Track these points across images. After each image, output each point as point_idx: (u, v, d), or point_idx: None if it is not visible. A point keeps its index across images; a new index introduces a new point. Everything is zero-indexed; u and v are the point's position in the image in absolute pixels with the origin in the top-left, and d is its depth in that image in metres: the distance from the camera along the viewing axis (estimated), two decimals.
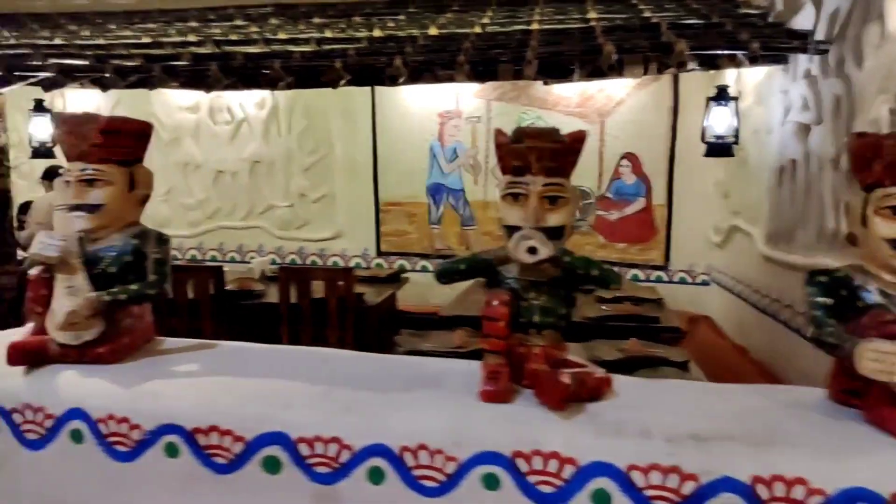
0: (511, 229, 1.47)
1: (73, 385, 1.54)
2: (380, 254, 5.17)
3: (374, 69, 3.34)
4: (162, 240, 1.68)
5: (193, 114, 5.28)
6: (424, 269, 5.04)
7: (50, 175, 4.42)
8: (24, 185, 5.35)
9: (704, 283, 4.54)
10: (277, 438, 1.38)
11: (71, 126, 1.59)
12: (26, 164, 5.32)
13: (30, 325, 1.72)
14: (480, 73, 3.31)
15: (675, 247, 4.64)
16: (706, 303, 4.38)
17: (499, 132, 1.52)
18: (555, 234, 1.46)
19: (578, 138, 1.49)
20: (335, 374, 1.61)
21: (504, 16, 4.11)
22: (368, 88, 4.91)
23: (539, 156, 1.45)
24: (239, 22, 4.56)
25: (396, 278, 4.63)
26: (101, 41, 4.06)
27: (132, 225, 1.67)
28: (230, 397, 1.48)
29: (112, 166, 1.60)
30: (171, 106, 5.31)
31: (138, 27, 4.60)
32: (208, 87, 3.48)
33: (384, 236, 5.11)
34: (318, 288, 3.75)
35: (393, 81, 3.23)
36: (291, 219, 5.27)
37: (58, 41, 4.17)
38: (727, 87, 3.55)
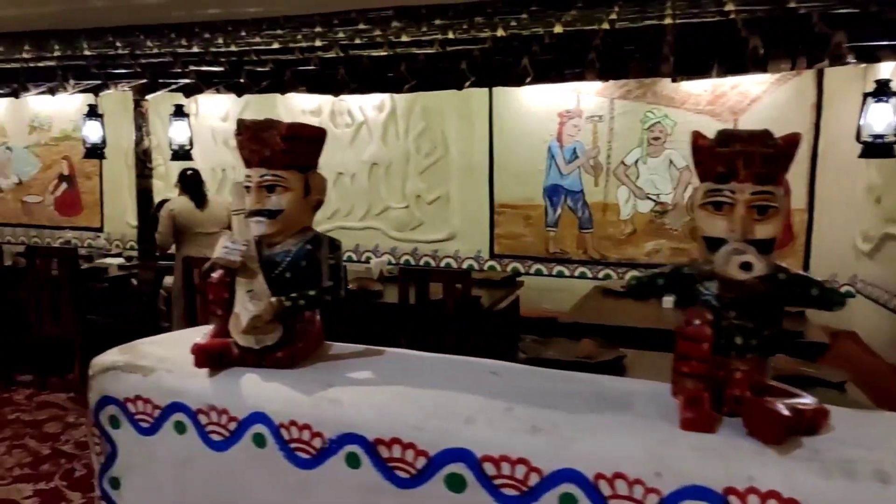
0: (713, 242, 1.33)
1: (255, 389, 1.54)
2: (493, 256, 5.12)
3: (499, 69, 3.29)
4: (335, 245, 1.67)
5: (316, 117, 5.43)
6: (538, 273, 4.94)
7: (184, 178, 4.62)
8: (161, 185, 5.69)
9: (849, 295, 4.17)
10: (461, 455, 1.32)
11: (253, 132, 1.60)
12: (162, 166, 5.66)
13: (208, 326, 1.76)
14: (611, 71, 3.18)
15: (816, 255, 4.30)
16: (851, 317, 4.02)
17: (698, 135, 1.37)
18: (764, 247, 1.31)
19: (793, 142, 1.32)
20: (511, 387, 1.53)
21: (632, 11, 3.93)
22: (486, 89, 4.87)
23: (748, 161, 1.30)
24: (362, 26, 4.63)
25: (512, 282, 4.55)
26: (234, 48, 4.23)
27: (305, 230, 1.67)
28: (410, 408, 1.43)
29: (291, 172, 1.60)
30: (295, 110, 5.48)
31: (266, 34, 4.77)
32: (336, 90, 3.55)
33: (498, 238, 5.05)
34: (435, 290, 3.74)
35: (520, 81, 3.16)
36: (407, 220, 5.31)
37: (195, 49, 4.39)
38: (889, 81, 3.23)
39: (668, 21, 3.51)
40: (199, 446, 1.53)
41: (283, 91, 3.71)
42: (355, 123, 5.36)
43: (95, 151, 4.62)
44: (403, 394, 1.49)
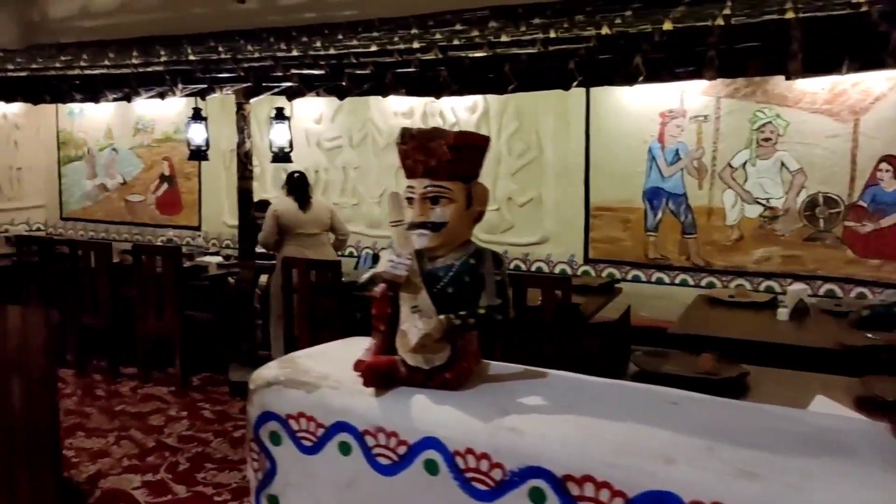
0: None
1: (426, 411, 1.47)
2: (587, 261, 4.96)
3: (608, 69, 3.16)
4: (499, 260, 1.60)
5: (408, 119, 5.43)
6: (636, 279, 4.76)
7: (291, 181, 4.72)
8: (256, 185, 5.82)
9: None
10: (665, 499, 1.20)
11: (419, 141, 1.55)
12: (257, 168, 5.78)
13: (357, 339, 1.73)
14: (728, 69, 3.01)
15: None
16: None
17: None
18: None
19: None
20: (700, 420, 1.40)
21: (748, 5, 3.72)
22: (583, 88, 4.73)
23: None
24: (459, 27, 4.59)
25: (610, 288, 4.40)
26: (333, 51, 4.26)
27: (466, 244, 1.61)
28: (598, 442, 1.31)
29: (455, 183, 1.55)
30: (388, 112, 5.50)
31: (363, 36, 4.79)
32: (437, 92, 3.51)
33: (593, 242, 4.90)
34: (532, 296, 3.64)
35: (631, 81, 3.03)
36: (498, 222, 5.23)
37: (294, 53, 4.45)
38: None
39: (790, 15, 3.29)
40: (364, 469, 1.47)
41: (384, 93, 3.70)
42: (447, 125, 5.32)
43: (199, 153, 4.77)
44: (587, 425, 1.37)
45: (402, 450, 1.43)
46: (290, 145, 4.66)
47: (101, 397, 4.60)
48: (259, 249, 4.69)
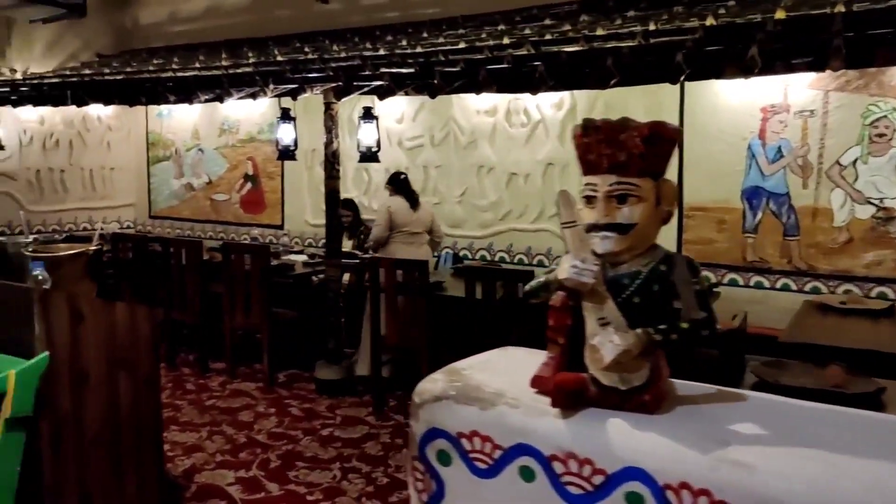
0: None
1: (626, 438, 1.32)
2: None
3: (718, 61, 3.00)
4: (694, 267, 1.43)
5: (490, 117, 5.35)
6: (733, 283, 4.53)
7: (397, 181, 4.77)
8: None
9: None
10: None
11: (607, 133, 1.40)
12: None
13: (521, 350, 1.64)
14: (854, 59, 2.79)
15: None
16: None
17: None
18: None
19: None
20: None
21: None
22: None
23: None
24: (548, 21, 4.48)
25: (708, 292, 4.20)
26: (420, 49, 4.22)
27: (653, 248, 1.45)
28: (848, 483, 1.14)
29: (646, 179, 1.40)
30: (470, 110, 5.43)
31: (449, 34, 4.74)
32: (533, 88, 3.41)
33: (686, 244, 4.69)
34: None
35: (745, 73, 2.85)
36: None
37: (382, 52, 4.44)
38: None
39: None
40: (551, 498, 1.34)
41: (477, 90, 3.63)
42: (531, 122, 5.22)
43: (287, 153, 4.81)
44: (828, 460, 1.19)
45: (598, 479, 1.30)
46: (378, 145, 4.65)
47: (192, 391, 4.71)
48: (344, 248, 4.72)
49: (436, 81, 3.66)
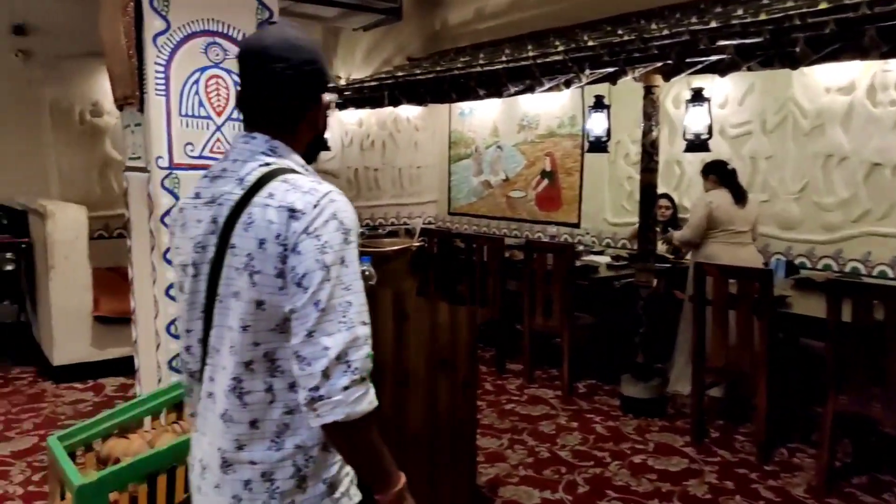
0: None
1: None
2: None
3: None
4: None
5: (846, 95, 4.36)
6: None
7: (723, 171, 4.19)
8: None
9: None
10: None
11: None
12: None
13: None
14: None
15: None
16: None
17: None
18: None
19: None
20: None
21: None
22: None
23: None
24: None
25: None
26: (763, 17, 3.51)
27: None
28: None
29: None
30: (817, 88, 4.49)
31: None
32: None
33: None
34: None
35: None
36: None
37: (714, 24, 3.81)
38: None
39: None
40: None
41: (862, 56, 2.85)
42: None
43: (599, 145, 4.43)
44: None
45: None
46: (710, 131, 4.03)
47: (490, 392, 4.58)
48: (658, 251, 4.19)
49: (797, 49, 2.95)
